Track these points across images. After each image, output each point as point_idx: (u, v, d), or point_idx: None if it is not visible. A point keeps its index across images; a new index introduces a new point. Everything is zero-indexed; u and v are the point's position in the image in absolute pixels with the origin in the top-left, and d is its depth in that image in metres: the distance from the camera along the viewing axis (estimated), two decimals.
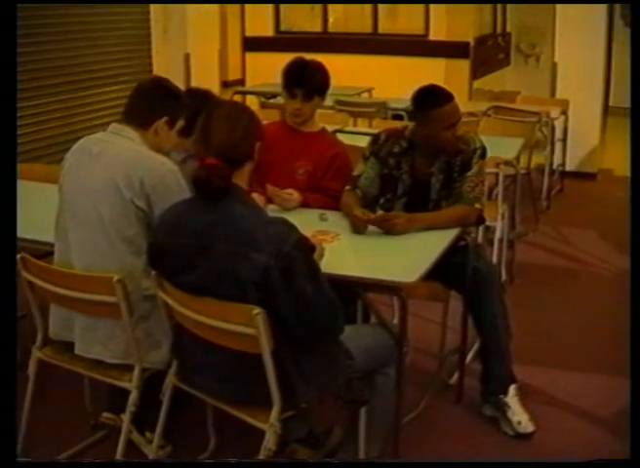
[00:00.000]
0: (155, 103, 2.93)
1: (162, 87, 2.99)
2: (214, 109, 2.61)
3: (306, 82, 3.61)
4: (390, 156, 3.55)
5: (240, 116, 2.57)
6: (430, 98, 3.38)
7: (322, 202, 3.62)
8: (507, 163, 4.91)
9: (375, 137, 3.63)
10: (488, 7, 10.55)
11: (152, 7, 7.72)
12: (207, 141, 2.52)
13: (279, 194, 3.53)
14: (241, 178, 2.54)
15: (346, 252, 3.14)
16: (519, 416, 3.48)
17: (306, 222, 3.12)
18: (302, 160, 3.68)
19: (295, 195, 3.57)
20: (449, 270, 3.31)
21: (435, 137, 3.40)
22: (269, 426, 2.54)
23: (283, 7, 10.33)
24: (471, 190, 3.44)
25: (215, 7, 9.01)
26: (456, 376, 3.77)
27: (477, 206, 3.46)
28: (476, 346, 3.75)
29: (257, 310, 2.39)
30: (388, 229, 3.26)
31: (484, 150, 3.51)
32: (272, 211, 3.23)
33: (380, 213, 3.45)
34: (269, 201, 3.53)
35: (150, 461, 3.00)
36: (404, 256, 3.10)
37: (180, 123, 2.98)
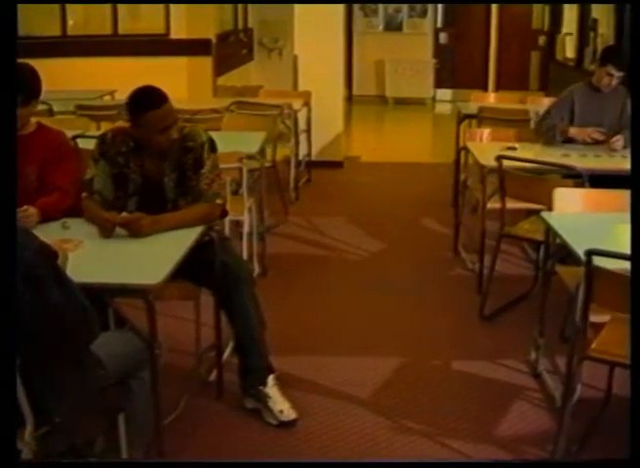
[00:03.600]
0: None
1: None
2: None
3: (23, 87, 3.45)
4: (119, 155, 3.53)
5: None
6: (143, 101, 3.38)
7: (59, 201, 3.54)
8: (251, 157, 5.03)
9: (101, 137, 3.60)
10: (229, 4, 10.69)
11: None
12: None
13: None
14: None
15: (90, 258, 3.10)
16: (280, 405, 3.58)
17: (48, 232, 3.07)
18: (30, 165, 3.57)
19: (30, 210, 3.39)
20: (197, 267, 3.36)
21: (150, 140, 3.43)
22: (24, 444, 2.48)
23: (20, 12, 9.91)
24: (209, 187, 3.50)
25: None
26: (215, 373, 3.83)
27: (218, 201, 3.53)
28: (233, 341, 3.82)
29: None
30: (133, 232, 3.27)
31: (212, 143, 3.58)
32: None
33: (124, 214, 3.42)
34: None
35: (151, 461, 3.04)
36: (149, 259, 3.12)
37: None
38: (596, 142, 5.30)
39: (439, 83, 14.70)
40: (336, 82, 8.61)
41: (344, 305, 4.96)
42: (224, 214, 3.67)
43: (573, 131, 5.30)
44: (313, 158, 8.32)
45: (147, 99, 3.38)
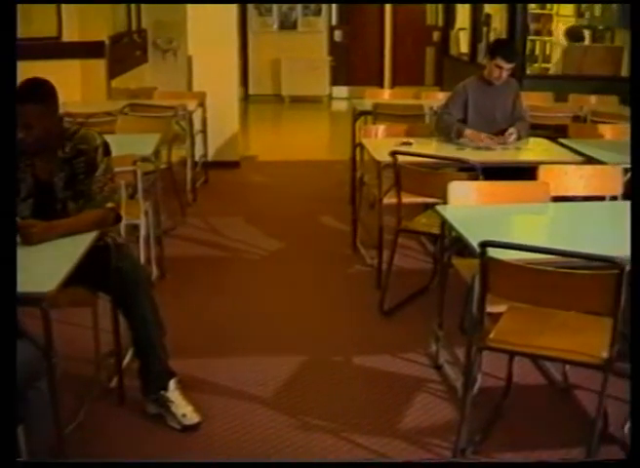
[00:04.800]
0: None
1: None
2: None
3: None
4: None
5: None
6: (17, 91, 3.25)
7: None
8: (145, 159, 4.98)
9: None
10: (122, 4, 10.52)
11: None
12: None
13: None
14: None
15: None
16: (183, 409, 3.56)
17: None
18: None
19: None
20: (93, 273, 3.31)
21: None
22: None
23: None
24: (100, 191, 3.45)
25: None
26: (115, 379, 3.78)
27: (108, 205, 3.48)
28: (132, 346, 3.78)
29: None
30: (24, 239, 3.19)
31: (106, 146, 3.53)
32: None
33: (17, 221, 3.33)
34: None
35: (150, 461, 3.10)
36: (43, 265, 3.05)
37: None
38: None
39: (335, 80, 14.80)
40: (231, 82, 8.60)
41: (245, 306, 4.96)
42: (119, 219, 3.62)
43: (467, 133, 5.40)
44: (210, 159, 8.29)
45: (19, 90, 3.28)
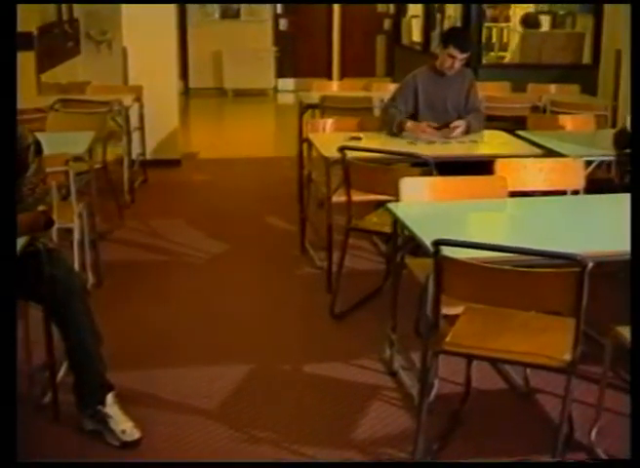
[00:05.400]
0: None
1: None
2: None
3: None
4: None
5: None
6: None
7: None
8: (78, 158, 4.93)
9: None
10: None
11: None
12: None
13: None
14: None
15: None
16: (122, 425, 3.52)
17: None
18: None
19: None
20: (24, 282, 3.27)
21: None
22: None
23: None
24: (31, 193, 3.40)
25: None
26: (49, 394, 3.73)
27: (41, 208, 3.44)
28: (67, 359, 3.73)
29: None
30: None
31: (38, 145, 3.48)
32: None
33: None
34: None
35: (150, 461, 3.19)
36: None
37: None
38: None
39: (281, 72, 14.82)
40: (169, 75, 8.56)
41: (188, 313, 4.93)
42: (50, 223, 3.57)
43: (408, 125, 5.44)
44: (148, 157, 8.23)
45: None
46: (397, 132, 5.44)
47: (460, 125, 5.42)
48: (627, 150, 5.00)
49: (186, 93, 14.23)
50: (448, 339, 3.23)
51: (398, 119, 5.46)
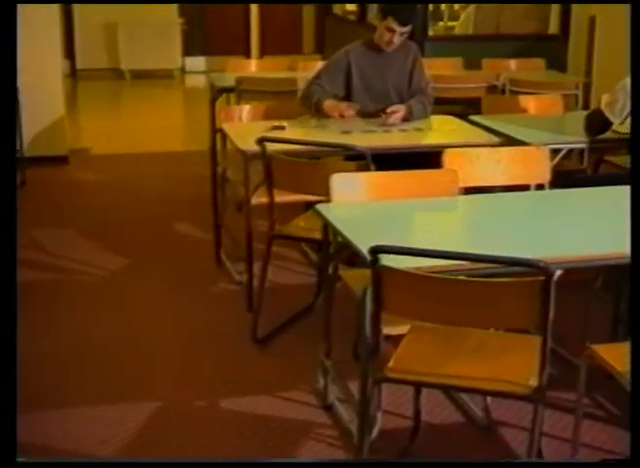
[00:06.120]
0: None
1: None
2: None
3: None
4: None
5: None
6: None
7: None
8: None
9: None
10: None
11: None
12: None
13: None
14: None
15: None
16: None
17: None
18: None
19: None
20: None
21: None
22: None
23: None
24: None
25: None
26: None
27: None
28: None
29: None
30: None
31: None
32: None
33: None
34: None
35: (151, 461, 3.31)
36: None
37: None
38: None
39: (188, 50, 14.78)
40: (51, 54, 8.47)
41: (81, 342, 4.90)
42: None
43: (326, 105, 5.48)
44: (26, 154, 8.14)
45: None
46: (314, 111, 5.49)
47: (397, 110, 5.45)
48: (602, 135, 5.09)
49: (73, 75, 14.11)
50: (391, 365, 3.26)
51: (317, 96, 5.49)
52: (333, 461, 3.49)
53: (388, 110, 5.45)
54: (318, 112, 5.50)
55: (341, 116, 5.47)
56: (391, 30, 5.41)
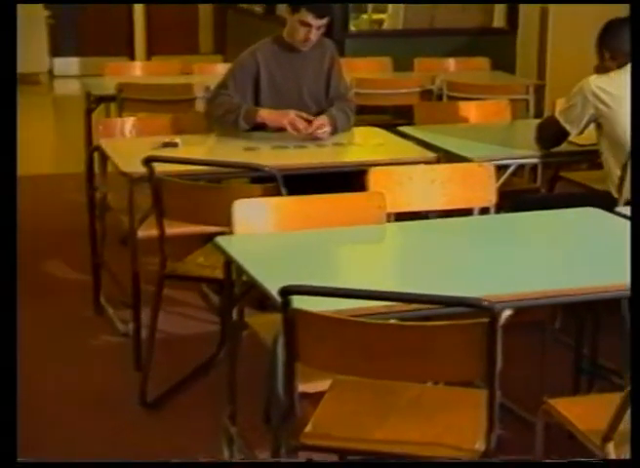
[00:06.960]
0: None
1: None
2: None
3: None
4: None
5: None
6: None
7: None
8: None
9: None
10: None
11: None
12: None
13: None
14: None
15: None
16: None
17: None
18: None
19: None
20: None
21: None
22: None
23: None
24: None
25: None
26: None
27: None
28: None
29: None
30: None
31: None
32: None
33: None
34: None
35: (151, 461, 3.67)
36: None
37: None
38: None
39: (57, 49, 14.68)
40: None
41: None
42: None
43: (264, 114, 5.48)
44: None
45: None
46: (245, 125, 5.46)
47: (325, 122, 5.47)
48: (557, 148, 5.16)
49: None
50: (309, 429, 3.28)
51: (245, 106, 5.48)
52: (333, 461, 3.55)
53: (316, 123, 5.44)
54: (249, 124, 5.47)
55: (295, 129, 5.44)
56: (306, 24, 5.37)
